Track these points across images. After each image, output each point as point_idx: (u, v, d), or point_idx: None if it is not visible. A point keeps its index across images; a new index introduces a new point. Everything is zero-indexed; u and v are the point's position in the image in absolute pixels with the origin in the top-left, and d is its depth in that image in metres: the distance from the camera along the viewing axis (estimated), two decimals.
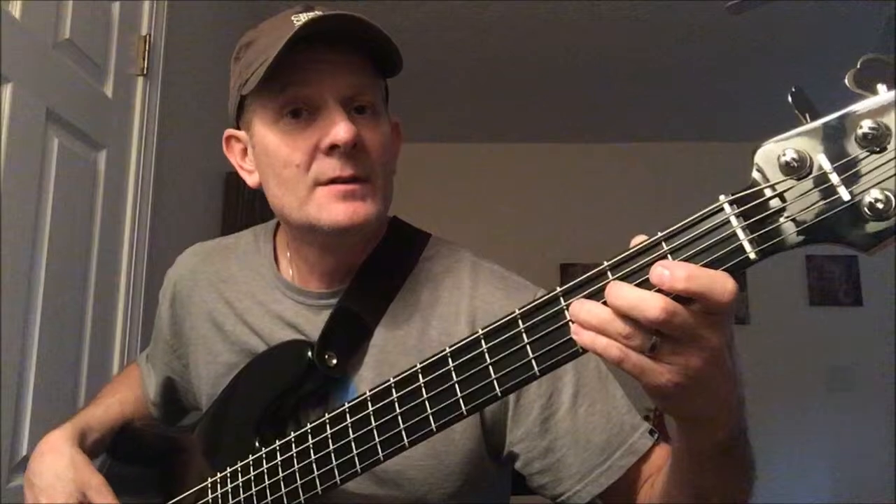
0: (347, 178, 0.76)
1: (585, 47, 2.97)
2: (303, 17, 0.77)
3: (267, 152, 0.80)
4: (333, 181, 0.76)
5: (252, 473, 0.75)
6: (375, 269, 0.86)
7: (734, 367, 0.54)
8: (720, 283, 0.47)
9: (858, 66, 0.45)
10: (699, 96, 3.44)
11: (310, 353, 0.80)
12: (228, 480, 0.78)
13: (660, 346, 0.49)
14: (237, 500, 0.76)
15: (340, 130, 0.74)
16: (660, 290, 0.48)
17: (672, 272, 0.47)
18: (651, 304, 0.48)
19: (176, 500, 0.84)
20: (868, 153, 0.45)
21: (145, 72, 1.74)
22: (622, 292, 0.49)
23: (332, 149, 0.75)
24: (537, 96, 3.45)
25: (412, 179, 3.62)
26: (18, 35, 1.29)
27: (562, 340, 0.54)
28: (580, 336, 0.51)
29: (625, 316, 0.49)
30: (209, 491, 0.80)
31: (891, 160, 0.44)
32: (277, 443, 0.74)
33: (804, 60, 3.01)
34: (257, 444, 0.79)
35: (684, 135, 3.87)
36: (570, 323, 0.53)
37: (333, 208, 0.76)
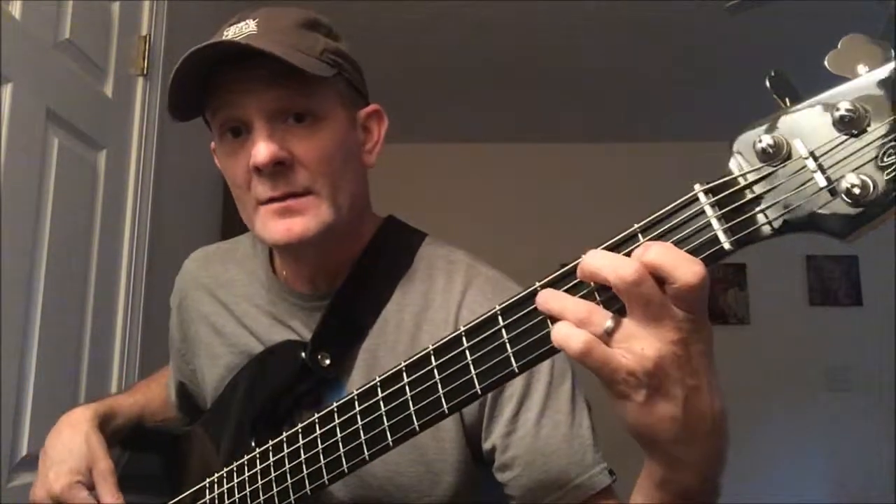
0: (280, 196, 0.75)
1: (585, 47, 2.97)
2: (231, 32, 0.76)
3: (221, 168, 0.83)
4: (270, 200, 0.75)
5: (246, 474, 0.75)
6: (368, 269, 0.85)
7: (712, 399, 0.51)
8: (687, 264, 0.46)
9: (838, 47, 0.43)
10: (699, 96, 3.44)
11: (303, 354, 0.81)
12: (225, 481, 0.78)
13: (617, 329, 0.48)
14: (232, 500, 0.76)
15: (258, 153, 0.73)
16: None
17: (648, 246, 0.48)
18: (626, 263, 0.47)
19: (174, 501, 0.84)
20: (846, 136, 0.43)
21: (145, 72, 1.75)
22: (597, 254, 0.49)
23: (259, 171, 0.74)
24: (537, 96, 3.45)
25: (412, 179, 3.63)
26: (18, 35, 1.29)
27: (539, 335, 0.53)
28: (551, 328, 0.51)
29: (599, 280, 0.49)
30: (206, 491, 0.80)
31: (868, 144, 0.42)
32: (270, 443, 0.74)
33: (804, 60, 3.01)
34: (253, 444, 0.79)
35: (685, 135, 3.87)
36: (549, 320, 0.52)
37: (271, 226, 0.76)
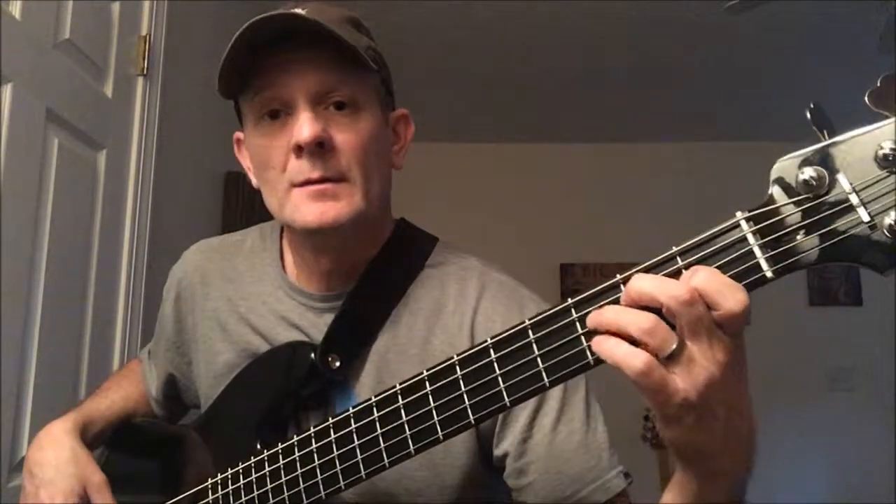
0: (317, 180, 0.75)
1: (585, 47, 2.96)
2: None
3: (252, 154, 0.82)
4: (306, 183, 0.75)
5: (254, 476, 0.75)
6: (380, 272, 0.85)
7: (747, 416, 0.52)
8: (733, 290, 0.47)
9: (878, 84, 0.44)
10: (699, 96, 3.43)
11: (313, 355, 0.80)
12: (230, 482, 0.78)
13: (678, 354, 0.48)
14: (239, 502, 0.76)
15: (303, 130, 0.73)
16: None
17: (694, 271, 0.48)
18: (678, 284, 0.48)
19: (174, 500, 0.84)
20: (888, 174, 0.44)
21: (145, 72, 1.74)
22: (645, 277, 0.49)
23: (300, 150, 0.74)
24: (538, 96, 3.45)
25: (412, 179, 3.62)
26: (18, 35, 1.29)
27: (572, 351, 0.53)
28: (601, 346, 0.50)
29: (647, 305, 0.49)
30: (209, 492, 0.80)
31: None
32: (280, 445, 0.73)
33: (804, 60, 3.02)
34: (258, 445, 0.78)
35: (684, 135, 3.87)
36: (583, 337, 0.52)
37: (305, 209, 0.75)
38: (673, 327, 0.49)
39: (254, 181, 0.86)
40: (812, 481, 3.63)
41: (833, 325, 3.76)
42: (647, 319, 0.48)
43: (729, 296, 0.47)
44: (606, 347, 0.50)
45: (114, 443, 0.97)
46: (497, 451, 0.79)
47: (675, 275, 0.49)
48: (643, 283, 0.49)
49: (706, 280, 0.47)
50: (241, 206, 2.32)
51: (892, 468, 3.39)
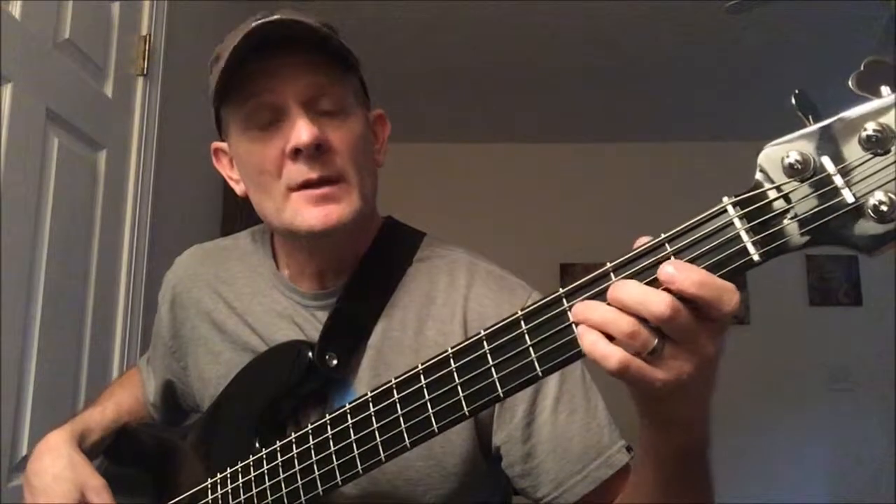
0: (317, 180, 0.76)
1: (585, 47, 2.97)
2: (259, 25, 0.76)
3: (243, 161, 0.82)
4: (305, 185, 0.76)
5: (252, 474, 0.75)
6: (371, 269, 0.86)
7: (714, 380, 0.54)
8: (727, 294, 0.48)
9: (862, 69, 0.44)
10: (699, 96, 3.44)
11: (310, 354, 0.80)
12: (228, 481, 0.78)
13: (660, 350, 0.49)
14: (238, 500, 0.76)
15: (301, 133, 0.74)
16: (667, 290, 0.48)
17: (685, 275, 0.48)
18: (658, 300, 0.48)
19: (174, 501, 0.84)
20: (872, 155, 0.44)
21: (145, 72, 1.74)
22: (627, 287, 0.50)
23: (297, 153, 0.75)
24: (536, 96, 3.45)
25: (412, 179, 3.63)
26: (18, 35, 1.29)
27: (564, 341, 0.53)
28: (581, 340, 0.51)
29: (629, 313, 0.49)
30: (209, 491, 0.80)
31: (894, 163, 0.44)
32: (278, 443, 0.74)
33: (804, 60, 3.02)
34: (257, 444, 0.79)
35: (684, 134, 3.87)
36: (574, 325, 0.52)
37: (307, 213, 0.76)
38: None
39: (238, 189, 0.87)
40: (812, 481, 3.63)
41: (833, 325, 3.76)
42: (629, 324, 0.49)
43: (725, 299, 0.47)
44: (586, 343, 0.51)
45: (112, 449, 0.97)
46: (496, 439, 0.80)
47: (666, 275, 0.49)
48: (625, 296, 0.49)
49: (699, 287, 0.47)
50: (241, 205, 2.31)
51: (892, 468, 3.39)
